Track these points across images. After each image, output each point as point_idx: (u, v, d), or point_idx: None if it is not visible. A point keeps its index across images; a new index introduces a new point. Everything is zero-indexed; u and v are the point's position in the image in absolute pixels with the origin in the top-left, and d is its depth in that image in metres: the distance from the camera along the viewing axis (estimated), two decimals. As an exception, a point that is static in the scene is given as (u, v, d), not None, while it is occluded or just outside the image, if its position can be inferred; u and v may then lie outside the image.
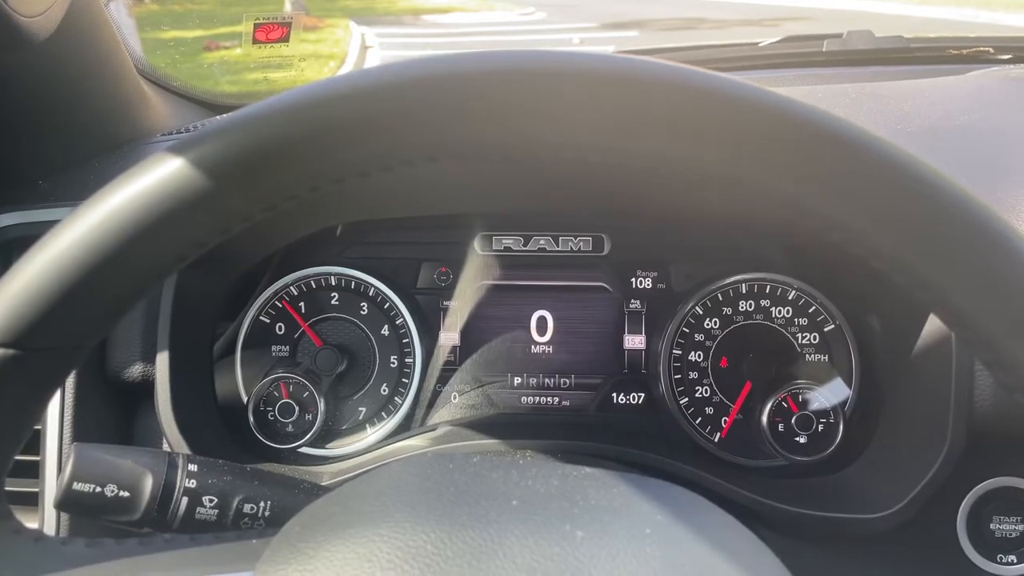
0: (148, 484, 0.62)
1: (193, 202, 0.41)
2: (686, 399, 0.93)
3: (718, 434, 0.92)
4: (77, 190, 0.94)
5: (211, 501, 0.64)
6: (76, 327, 0.43)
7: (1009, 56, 1.29)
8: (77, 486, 0.60)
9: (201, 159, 0.41)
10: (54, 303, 0.41)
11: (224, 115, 0.42)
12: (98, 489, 0.61)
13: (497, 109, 0.40)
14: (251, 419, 0.90)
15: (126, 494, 0.61)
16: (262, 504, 0.65)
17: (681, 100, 0.39)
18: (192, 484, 0.63)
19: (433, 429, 0.91)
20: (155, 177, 0.41)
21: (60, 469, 0.83)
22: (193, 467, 0.64)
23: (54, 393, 0.47)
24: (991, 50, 1.31)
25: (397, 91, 0.40)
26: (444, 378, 0.95)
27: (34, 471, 0.86)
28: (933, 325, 0.78)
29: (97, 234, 0.41)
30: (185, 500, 0.63)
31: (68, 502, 0.61)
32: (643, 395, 0.95)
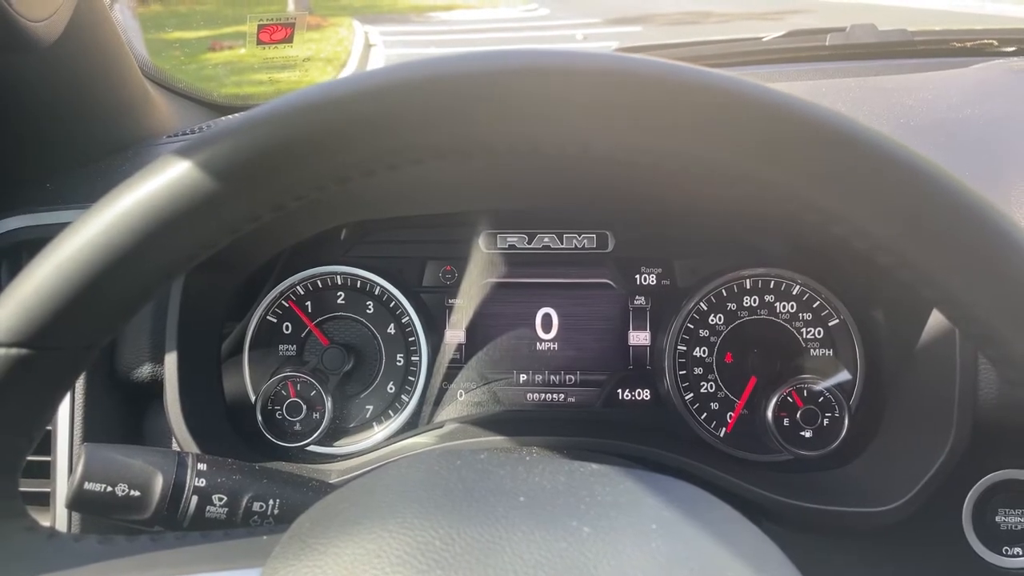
0: (158, 483, 0.62)
1: (202, 203, 0.41)
2: (691, 395, 0.93)
3: (723, 429, 0.92)
4: (84, 192, 0.94)
5: (221, 500, 0.64)
6: (87, 327, 0.44)
7: (1013, 48, 1.29)
8: (88, 486, 0.61)
9: (210, 161, 0.41)
10: (65, 303, 0.41)
11: (231, 117, 0.43)
12: (109, 489, 0.61)
13: (503, 108, 0.40)
14: (259, 418, 0.90)
15: (137, 493, 0.62)
16: (271, 502, 0.66)
17: (684, 97, 0.39)
18: (202, 483, 0.64)
19: (440, 427, 0.91)
20: (165, 179, 0.41)
21: (71, 469, 0.83)
22: (203, 466, 0.65)
23: (66, 392, 0.47)
24: (995, 42, 1.31)
25: (403, 91, 0.40)
26: (450, 376, 0.96)
27: (46, 471, 0.86)
28: (937, 318, 0.78)
29: (108, 235, 0.41)
30: (195, 499, 0.63)
31: (79, 502, 0.61)
32: (648, 391, 0.95)
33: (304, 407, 0.91)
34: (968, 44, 1.32)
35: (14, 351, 0.41)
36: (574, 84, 0.39)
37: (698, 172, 0.41)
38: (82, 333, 0.44)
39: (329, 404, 0.91)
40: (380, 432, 0.95)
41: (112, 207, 0.42)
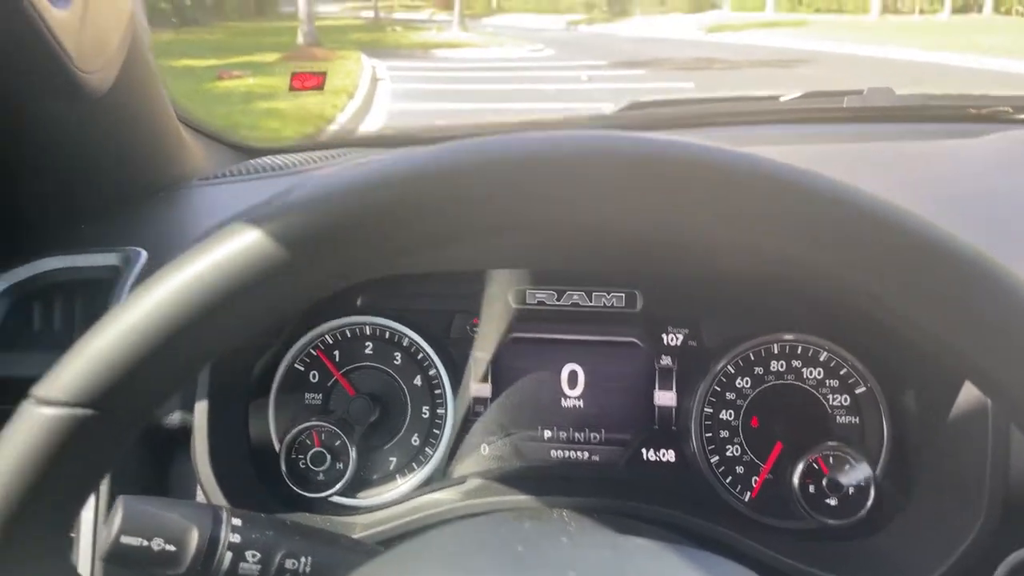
0: (194, 538, 0.62)
1: (273, 274, 0.42)
2: (717, 457, 0.93)
3: (749, 494, 0.92)
4: (118, 234, 0.95)
5: (254, 556, 0.64)
6: (150, 390, 0.44)
7: (1027, 116, 1.31)
8: (125, 540, 0.61)
9: (285, 232, 0.42)
10: (131, 368, 0.42)
11: (305, 186, 0.44)
12: (145, 543, 0.61)
13: (568, 194, 0.42)
14: (283, 467, 0.90)
15: (172, 548, 0.62)
16: (303, 559, 0.65)
17: (720, 184, 0.41)
18: (236, 539, 0.64)
19: (462, 481, 0.91)
20: (237, 246, 0.42)
21: (96, 516, 0.83)
22: (237, 521, 0.65)
23: (119, 453, 0.47)
24: (1010, 110, 1.33)
25: (478, 170, 0.42)
26: (475, 430, 0.96)
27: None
28: (969, 388, 0.79)
29: (180, 302, 0.42)
30: (229, 555, 0.63)
31: (116, 555, 0.61)
32: (673, 452, 0.94)
33: (328, 457, 0.91)
34: (983, 111, 1.35)
35: (79, 411, 0.42)
36: (637, 169, 0.41)
37: (729, 252, 0.42)
38: (144, 396, 0.44)
39: (353, 455, 0.90)
40: (404, 485, 0.95)
41: (183, 272, 0.43)
